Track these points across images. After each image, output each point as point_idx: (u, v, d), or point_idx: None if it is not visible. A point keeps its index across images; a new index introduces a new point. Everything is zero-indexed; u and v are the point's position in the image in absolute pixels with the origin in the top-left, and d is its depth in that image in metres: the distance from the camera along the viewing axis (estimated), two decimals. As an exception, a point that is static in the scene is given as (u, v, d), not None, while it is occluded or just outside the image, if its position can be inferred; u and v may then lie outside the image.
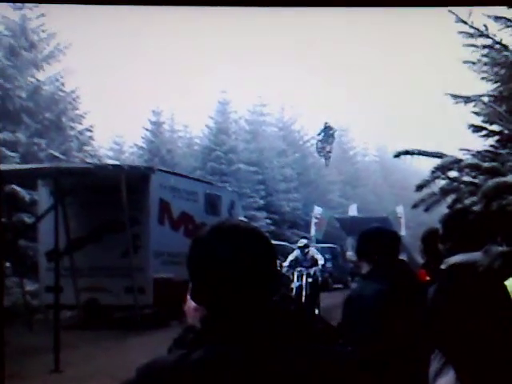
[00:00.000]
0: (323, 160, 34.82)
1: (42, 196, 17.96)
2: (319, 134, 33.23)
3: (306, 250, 18.29)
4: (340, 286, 28.79)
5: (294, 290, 17.46)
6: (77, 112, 26.18)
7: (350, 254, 29.08)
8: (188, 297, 2.08)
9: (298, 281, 17.73)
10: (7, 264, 17.12)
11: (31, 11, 24.50)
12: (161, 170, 19.61)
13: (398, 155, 5.23)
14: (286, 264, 17.99)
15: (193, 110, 42.53)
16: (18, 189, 21.07)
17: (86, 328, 15.87)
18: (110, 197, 16.73)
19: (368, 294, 4.13)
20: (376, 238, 4.36)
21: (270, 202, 36.06)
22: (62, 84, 25.38)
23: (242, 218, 23.55)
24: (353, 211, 39.41)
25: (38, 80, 24.69)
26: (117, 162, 29.77)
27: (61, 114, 24.97)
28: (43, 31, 24.89)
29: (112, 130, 34.90)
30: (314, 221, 34.83)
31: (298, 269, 17.90)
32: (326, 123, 32.90)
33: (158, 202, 18.25)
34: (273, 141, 38.71)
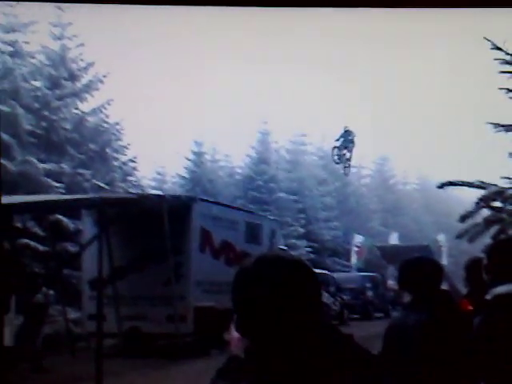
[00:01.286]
0: (342, 169, 32.31)
1: (86, 225, 18.17)
2: (338, 140, 30.71)
3: None
4: (381, 314, 28.63)
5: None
6: (120, 143, 26.61)
7: (391, 283, 28.90)
8: (232, 327, 2.09)
9: None
10: (51, 292, 17.35)
11: (70, 41, 25.09)
12: (202, 200, 19.78)
13: (441, 186, 5.23)
14: None
15: (234, 140, 42.73)
16: (63, 218, 21.48)
17: (128, 356, 15.99)
18: (152, 226, 16.86)
19: (409, 324, 4.10)
20: (417, 267, 4.32)
21: (311, 230, 36.05)
22: (106, 115, 25.82)
23: (283, 247, 23.64)
24: (394, 240, 39.23)
25: (82, 112, 25.16)
26: (159, 192, 30.06)
27: (105, 145, 25.36)
28: (82, 60, 25.42)
29: (154, 161, 35.14)
30: (354, 249, 34.78)
31: None
32: (345, 127, 30.58)
33: (200, 231, 18.36)
34: (313, 170, 38.77)
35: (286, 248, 24.60)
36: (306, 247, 34.45)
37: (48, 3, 23.74)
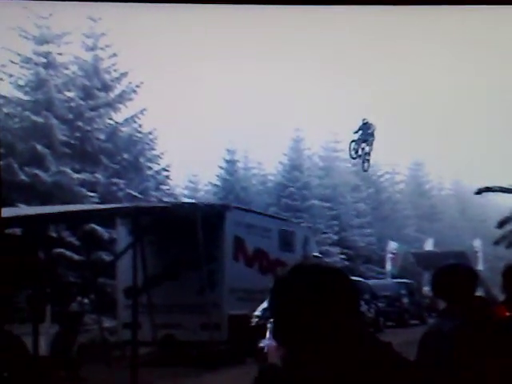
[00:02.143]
0: (361, 164, 29.28)
1: (121, 234, 18.26)
2: (356, 132, 28.16)
3: None
4: (417, 322, 28.38)
5: (266, 349, 14.55)
6: (153, 152, 26.77)
7: (427, 290, 28.66)
8: (269, 335, 2.11)
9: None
10: (86, 301, 17.46)
11: (103, 51, 25.32)
12: (235, 208, 19.79)
13: (479, 192, 5.16)
14: (257, 313, 14.14)
15: (266, 148, 42.69)
16: (97, 228, 21.64)
17: (163, 364, 16.03)
18: (186, 234, 16.90)
19: (444, 331, 4.06)
20: (451, 274, 4.28)
21: (344, 237, 35.92)
22: (140, 125, 26.00)
23: (316, 254, 23.55)
24: (429, 246, 38.93)
25: (116, 122, 25.36)
26: (192, 201, 30.18)
27: (138, 155, 25.54)
28: (115, 71, 25.63)
29: (187, 169, 35.27)
30: (389, 256, 34.57)
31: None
32: (363, 119, 28.11)
33: (233, 239, 18.37)
34: (346, 176, 38.64)
35: (319, 255, 24.52)
36: (339, 254, 34.34)
37: (81, 14, 24.00)
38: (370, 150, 28.03)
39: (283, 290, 1.99)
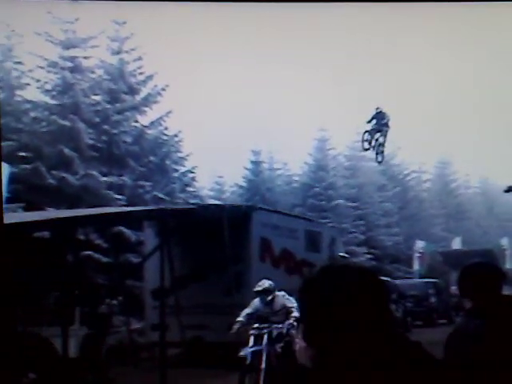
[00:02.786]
0: (374, 155, 27.90)
1: (148, 236, 18.34)
2: (369, 122, 26.73)
3: (270, 297, 12.13)
4: (444, 321, 28.24)
5: (249, 359, 11.76)
6: (179, 154, 26.89)
7: (455, 289, 28.48)
8: (298, 336, 2.11)
9: (255, 344, 11.82)
10: (114, 303, 17.58)
11: (129, 55, 25.49)
12: (261, 209, 19.81)
13: (508, 190, 5.11)
14: (240, 319, 12.16)
15: (291, 148, 42.64)
16: (125, 230, 21.79)
17: (191, 366, 16.09)
18: (212, 236, 16.95)
19: (469, 331, 4.04)
20: (476, 274, 4.24)
21: (371, 237, 35.80)
22: (165, 128, 26.13)
23: (343, 254, 23.52)
24: (457, 244, 38.68)
25: (142, 125, 25.51)
26: (218, 202, 30.26)
27: (164, 157, 25.66)
28: (140, 74, 25.77)
29: (213, 171, 35.33)
30: (416, 255, 34.40)
31: (256, 325, 11.89)
32: (377, 108, 26.69)
33: (259, 240, 18.39)
34: (372, 175, 38.51)
35: (346, 255, 24.47)
36: (366, 254, 34.24)
37: (106, 18, 24.18)
38: (384, 140, 26.96)
39: (312, 290, 1.99)
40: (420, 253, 34.35)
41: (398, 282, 28.81)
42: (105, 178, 23.07)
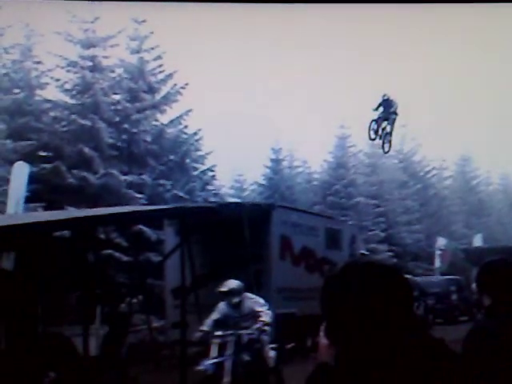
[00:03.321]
0: (381, 144, 26.17)
1: (168, 235, 18.41)
2: (376, 109, 25.20)
3: (237, 300, 10.63)
4: (466, 318, 28.10)
5: (210, 371, 10.58)
6: (199, 153, 26.93)
7: (476, 286, 28.33)
8: (321, 334, 2.09)
9: (218, 355, 10.57)
10: (134, 300, 17.64)
11: (148, 54, 25.55)
12: (281, 206, 19.81)
13: None
14: (204, 327, 10.90)
15: (311, 146, 42.66)
16: (145, 229, 21.85)
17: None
18: (232, 234, 16.97)
19: (489, 328, 3.96)
20: (495, 270, 4.16)
21: (392, 234, 35.68)
22: (185, 126, 26.17)
23: (364, 252, 23.47)
24: (478, 241, 38.48)
25: (162, 124, 25.57)
26: (238, 200, 30.27)
27: (184, 156, 25.71)
28: (160, 72, 25.83)
29: (233, 169, 35.36)
30: (437, 252, 34.23)
31: (219, 332, 10.58)
32: (384, 95, 25.23)
33: (280, 238, 18.39)
34: (393, 173, 38.38)
35: (367, 253, 24.41)
36: (387, 251, 34.14)
37: (125, 17, 24.25)
38: (392, 129, 25.62)
39: (335, 287, 1.98)
40: (441, 250, 34.17)
41: (419, 279, 28.71)
42: (125, 177, 23.14)
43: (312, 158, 36.41)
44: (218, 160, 28.15)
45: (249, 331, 10.49)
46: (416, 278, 28.25)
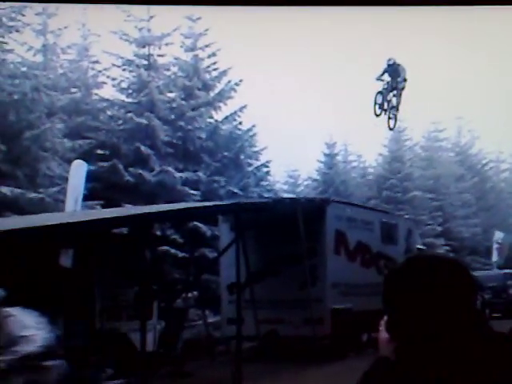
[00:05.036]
0: (386, 119, 22.17)
1: (223, 231, 18.51)
2: (380, 78, 21.37)
3: None
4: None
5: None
6: (253, 149, 27.01)
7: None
8: (381, 328, 2.09)
9: None
10: (190, 296, 17.80)
11: (203, 51, 25.71)
12: (336, 201, 19.74)
13: None
14: None
15: (366, 140, 42.43)
16: (200, 225, 22.03)
17: (266, 359, 16.19)
18: (287, 229, 16.98)
19: None
20: None
21: (449, 228, 35.31)
22: (239, 123, 26.26)
23: (420, 246, 23.27)
24: (536, 235, 37.85)
25: (216, 120, 25.71)
26: (293, 196, 30.29)
27: (239, 152, 25.81)
28: (215, 70, 25.96)
29: (287, 165, 35.38)
30: (495, 246, 33.79)
31: None
32: (389, 60, 21.18)
33: (334, 233, 18.34)
34: (449, 166, 37.95)
35: (423, 247, 24.19)
36: (444, 246, 33.80)
37: (179, 15, 24.46)
38: (398, 102, 21.92)
39: (398, 281, 1.98)
40: (498, 244, 33.71)
41: (476, 273, 28.38)
42: (180, 174, 23.34)
43: (366, 152, 36.25)
44: (272, 155, 28.24)
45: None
46: (473, 273, 27.93)
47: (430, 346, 1.90)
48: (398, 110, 21.94)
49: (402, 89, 21.63)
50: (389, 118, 21.98)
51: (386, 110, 21.74)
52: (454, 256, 32.87)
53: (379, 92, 21.52)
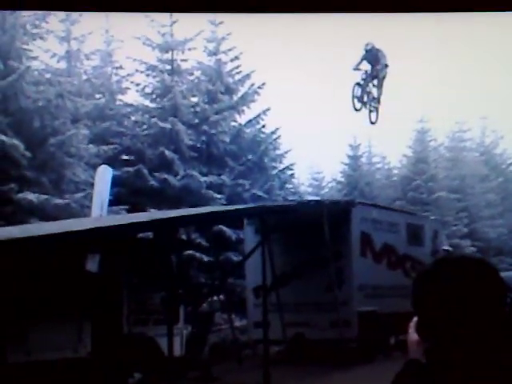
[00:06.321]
0: (368, 113, 19.94)
1: (248, 234, 18.51)
2: (357, 67, 19.37)
3: None
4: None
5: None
6: (277, 152, 26.97)
7: None
8: (410, 330, 2.09)
9: None
10: (216, 300, 17.80)
11: (225, 55, 25.74)
12: (361, 203, 19.65)
13: None
14: None
15: (390, 141, 42.22)
16: (225, 229, 22.04)
17: (293, 363, 16.15)
18: (312, 232, 16.95)
19: None
20: None
21: (475, 229, 35.03)
22: (263, 126, 26.25)
23: (447, 248, 23.10)
24: None
25: (240, 124, 25.72)
26: (317, 198, 30.21)
27: (263, 155, 25.79)
28: (238, 73, 25.97)
29: (311, 167, 35.32)
30: (522, 246, 33.50)
31: None
32: (367, 45, 19.06)
33: (360, 235, 18.27)
34: (474, 166, 37.68)
35: (450, 248, 24.02)
36: (470, 247, 33.54)
37: (202, 20, 24.50)
38: (380, 93, 19.75)
39: (428, 283, 1.97)
40: (525, 244, 33.41)
41: (502, 274, 28.08)
42: (205, 178, 23.39)
43: (391, 154, 36.06)
44: (297, 158, 28.18)
45: None
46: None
47: (460, 347, 1.88)
48: (379, 101, 19.85)
49: (383, 77, 19.55)
50: (370, 111, 19.92)
51: (365, 103, 19.71)
52: (481, 257, 32.63)
53: (357, 83, 19.51)
